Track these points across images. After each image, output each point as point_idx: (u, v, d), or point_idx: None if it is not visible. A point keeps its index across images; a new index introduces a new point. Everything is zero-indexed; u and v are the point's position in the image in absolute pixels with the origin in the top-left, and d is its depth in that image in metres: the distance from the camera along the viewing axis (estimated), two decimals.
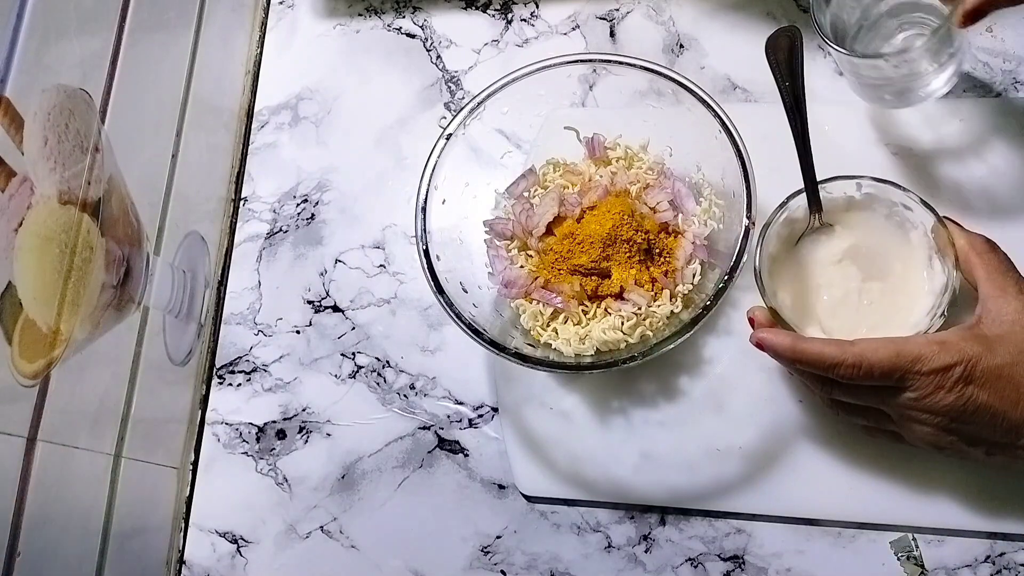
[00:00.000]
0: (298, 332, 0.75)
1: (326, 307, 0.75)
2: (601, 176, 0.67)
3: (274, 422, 0.74)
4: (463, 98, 0.78)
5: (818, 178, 0.60)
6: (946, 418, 0.52)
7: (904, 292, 0.59)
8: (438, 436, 0.71)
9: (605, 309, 0.64)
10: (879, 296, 0.60)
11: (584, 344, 0.63)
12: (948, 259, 0.57)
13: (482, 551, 0.68)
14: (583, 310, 0.64)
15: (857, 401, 0.57)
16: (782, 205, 0.60)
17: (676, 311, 0.63)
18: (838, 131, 0.68)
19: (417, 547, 0.68)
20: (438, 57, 0.80)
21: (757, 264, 0.59)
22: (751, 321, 0.59)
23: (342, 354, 0.74)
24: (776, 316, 0.58)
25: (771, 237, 0.60)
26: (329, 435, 0.72)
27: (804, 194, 0.60)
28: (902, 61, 0.59)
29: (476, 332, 0.61)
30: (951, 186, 0.65)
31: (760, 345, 0.57)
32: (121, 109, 0.64)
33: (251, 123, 0.82)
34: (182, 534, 0.72)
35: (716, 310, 0.58)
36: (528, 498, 0.68)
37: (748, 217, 0.59)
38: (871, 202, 0.60)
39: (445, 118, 0.78)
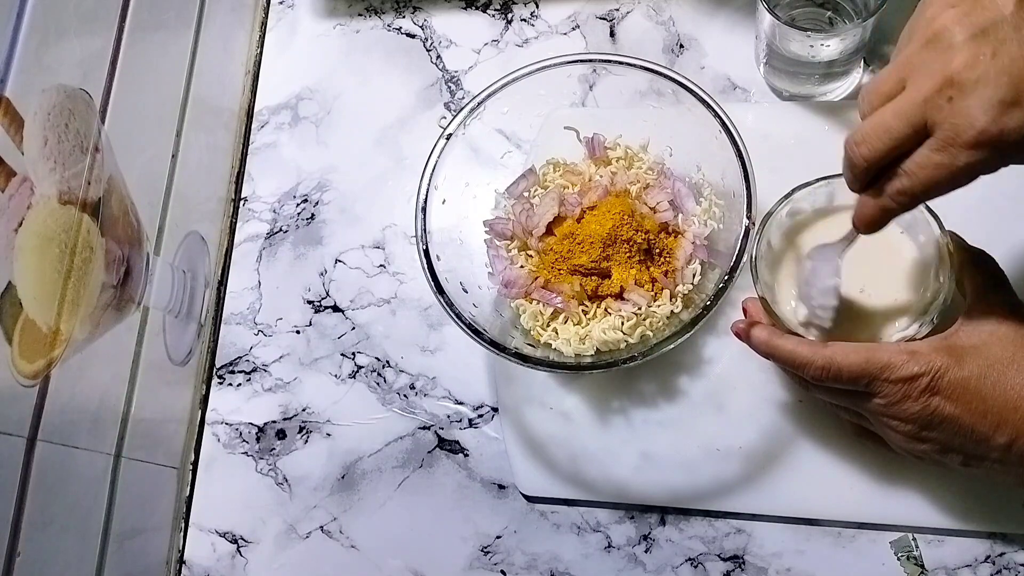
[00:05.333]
0: (298, 332, 0.75)
1: (326, 307, 0.75)
2: (601, 176, 0.67)
3: (274, 422, 0.74)
4: (463, 98, 0.78)
5: (825, 174, 0.59)
6: (915, 426, 0.52)
7: (896, 296, 0.59)
8: (438, 436, 0.71)
9: (605, 309, 0.64)
10: (871, 297, 0.59)
11: (584, 344, 0.63)
12: (945, 269, 0.56)
13: (482, 551, 0.68)
14: (583, 310, 0.64)
15: (833, 401, 0.57)
16: (787, 196, 0.60)
17: (676, 311, 0.63)
18: (844, 131, 0.68)
19: (417, 547, 0.68)
20: (438, 57, 0.80)
21: (754, 253, 0.59)
22: (745, 311, 0.60)
23: (342, 354, 0.74)
24: (766, 306, 0.58)
25: (771, 227, 0.60)
26: (329, 435, 0.72)
27: (809, 187, 0.59)
28: (821, 44, 0.64)
29: (476, 332, 0.61)
30: (955, 195, 0.65)
31: (738, 335, 0.57)
32: (121, 109, 0.64)
33: (251, 123, 0.82)
34: (182, 534, 0.72)
35: (716, 310, 0.58)
36: (528, 498, 0.68)
37: (748, 217, 0.59)
38: None
39: (445, 118, 0.78)
